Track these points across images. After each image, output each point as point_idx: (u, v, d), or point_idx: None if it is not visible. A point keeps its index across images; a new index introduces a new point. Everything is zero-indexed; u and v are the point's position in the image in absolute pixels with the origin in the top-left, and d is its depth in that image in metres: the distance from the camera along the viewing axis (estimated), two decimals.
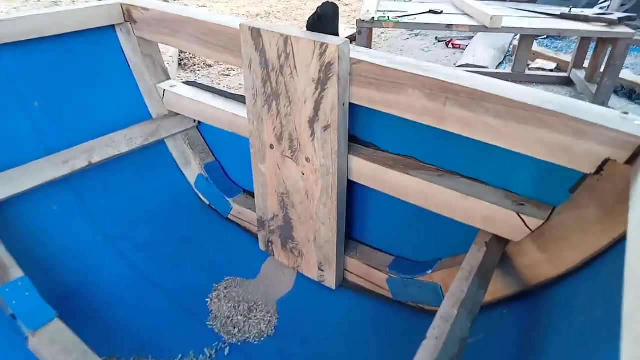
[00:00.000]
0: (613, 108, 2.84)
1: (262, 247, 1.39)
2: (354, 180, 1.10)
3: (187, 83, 1.46)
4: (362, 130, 1.09)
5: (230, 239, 1.48)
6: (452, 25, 2.53)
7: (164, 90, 1.43)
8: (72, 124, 1.31)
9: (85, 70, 1.33)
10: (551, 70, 3.50)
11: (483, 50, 3.85)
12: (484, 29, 2.50)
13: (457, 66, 3.57)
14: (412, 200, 1.01)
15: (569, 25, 2.52)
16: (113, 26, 1.35)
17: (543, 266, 0.86)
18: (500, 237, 0.92)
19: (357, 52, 0.93)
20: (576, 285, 0.80)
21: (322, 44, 0.89)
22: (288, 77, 0.99)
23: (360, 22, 2.58)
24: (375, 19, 2.56)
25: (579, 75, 3.16)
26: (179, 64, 3.44)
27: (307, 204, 1.16)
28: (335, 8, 0.94)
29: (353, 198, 1.18)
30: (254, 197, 1.52)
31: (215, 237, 1.48)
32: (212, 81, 3.27)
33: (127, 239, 1.37)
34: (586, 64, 3.26)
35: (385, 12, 2.74)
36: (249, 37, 1.00)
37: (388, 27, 2.62)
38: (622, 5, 5.20)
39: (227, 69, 3.48)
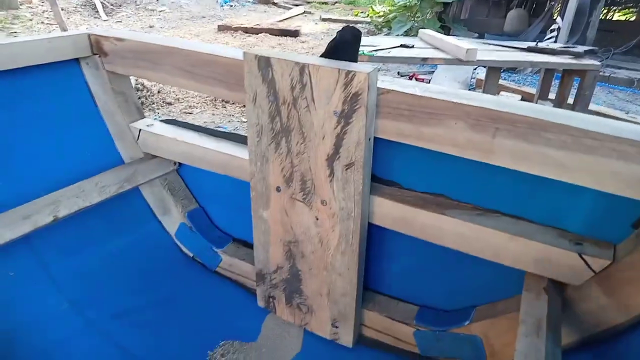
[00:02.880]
0: None
1: (261, 303, 1.24)
2: (377, 223, 1.00)
3: (166, 121, 1.33)
4: (381, 166, 1.00)
5: (222, 296, 1.31)
6: (427, 58, 2.56)
7: (140, 130, 1.29)
8: (33, 173, 1.13)
9: (44, 110, 1.17)
10: None
11: (449, 84, 3.96)
12: (458, 62, 2.55)
13: None
14: (449, 244, 0.92)
15: (541, 58, 2.63)
16: (77, 60, 1.21)
17: (610, 312, 0.79)
18: (556, 281, 0.84)
19: (385, 81, 0.85)
20: None
21: (347, 72, 0.81)
22: (303, 111, 0.89)
23: None
24: None
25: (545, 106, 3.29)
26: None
27: (321, 254, 1.04)
28: (355, 33, 0.87)
29: (370, 243, 1.07)
30: (246, 246, 1.38)
31: (203, 295, 1.31)
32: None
33: (98, 305, 1.18)
34: (550, 95, 3.42)
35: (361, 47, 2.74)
36: (255, 67, 0.90)
37: (362, 61, 2.61)
38: (568, 40, 5.62)
39: (189, 106, 3.34)
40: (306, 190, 0.98)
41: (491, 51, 2.77)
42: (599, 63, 2.60)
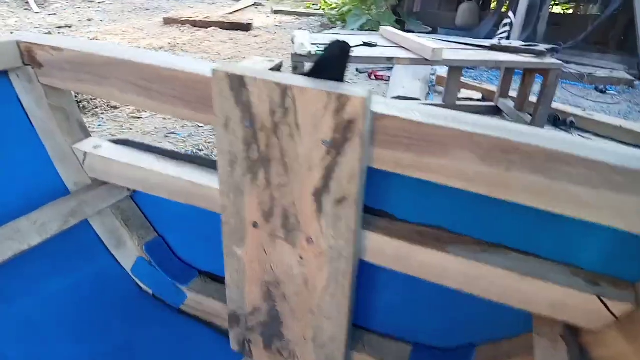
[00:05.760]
0: None
1: (234, 346, 1.12)
2: (369, 260, 0.90)
3: (117, 142, 1.16)
4: (372, 195, 0.90)
5: (189, 338, 1.18)
6: (392, 58, 2.49)
7: (85, 153, 1.12)
8: None
9: None
10: (478, 100, 3.67)
11: (410, 82, 3.94)
12: (424, 61, 2.50)
13: (390, 98, 3.59)
14: (450, 284, 0.84)
15: (506, 57, 2.63)
16: (5, 72, 1.03)
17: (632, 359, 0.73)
18: (571, 324, 0.78)
19: (380, 104, 0.75)
20: None
21: (339, 96, 0.70)
22: (286, 139, 0.77)
23: (296, 56, 2.44)
24: (312, 52, 2.43)
25: (507, 104, 3.33)
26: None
27: (306, 296, 0.93)
28: (344, 48, 0.75)
29: (360, 278, 0.98)
30: (215, 280, 1.25)
31: (167, 337, 1.17)
32: (122, 126, 2.88)
33: (43, 358, 1.01)
34: (511, 92, 3.47)
35: (319, 45, 2.64)
36: (227, 88, 0.77)
37: None
38: (521, 34, 5.77)
39: (138, 110, 3.11)
40: (289, 227, 0.87)
41: (456, 50, 2.74)
42: (561, 62, 2.64)
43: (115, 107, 3.11)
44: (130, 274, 1.24)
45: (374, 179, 0.86)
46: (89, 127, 2.86)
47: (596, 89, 4.86)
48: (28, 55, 1.02)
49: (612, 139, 3.18)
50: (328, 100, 0.71)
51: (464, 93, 3.75)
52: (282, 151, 0.79)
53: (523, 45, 2.79)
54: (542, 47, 2.71)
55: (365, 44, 2.78)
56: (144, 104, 0.94)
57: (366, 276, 1.00)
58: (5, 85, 1.04)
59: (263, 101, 0.76)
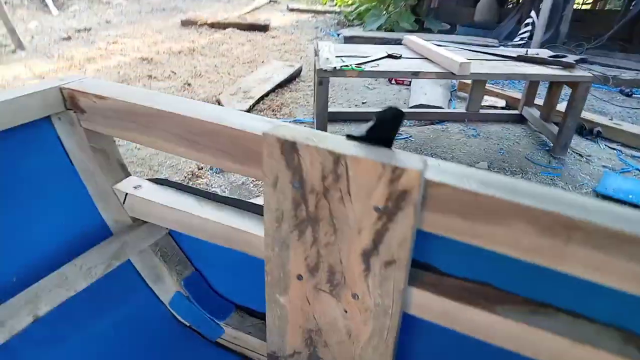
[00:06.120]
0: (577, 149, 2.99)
1: None
2: (414, 314, 0.90)
3: (157, 181, 1.18)
4: (419, 249, 0.90)
5: None
6: (418, 72, 2.47)
7: (126, 194, 1.14)
8: (4, 261, 0.97)
9: (9, 181, 1.01)
10: (502, 108, 3.62)
11: (431, 88, 3.90)
12: (451, 75, 2.47)
13: (412, 106, 3.57)
14: (500, 343, 0.83)
15: (534, 70, 2.59)
16: (49, 117, 1.05)
17: None
18: None
19: (434, 170, 0.74)
20: None
21: (394, 168, 0.70)
22: (336, 202, 0.78)
23: (321, 71, 2.43)
24: (338, 68, 2.43)
25: (532, 113, 3.29)
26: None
27: (348, 345, 0.94)
28: (398, 115, 0.75)
29: (402, 330, 0.98)
30: (252, 315, 1.26)
31: None
32: None
33: None
34: (536, 100, 3.42)
35: (343, 58, 2.63)
36: (277, 151, 0.78)
37: (351, 76, 2.50)
38: (544, 34, 5.68)
39: None
40: (334, 282, 0.87)
41: (482, 61, 2.71)
42: (591, 75, 2.59)
43: None
44: (168, 307, 1.26)
45: (421, 234, 0.86)
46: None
47: (621, 92, 4.76)
48: (71, 101, 1.04)
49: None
50: (382, 171, 0.71)
51: (487, 100, 3.70)
52: (331, 212, 0.79)
53: (550, 57, 2.74)
54: (571, 58, 2.67)
55: (390, 56, 2.76)
56: (189, 155, 0.95)
57: (410, 328, 1.00)
58: (48, 129, 1.06)
59: (315, 167, 0.76)
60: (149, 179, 1.19)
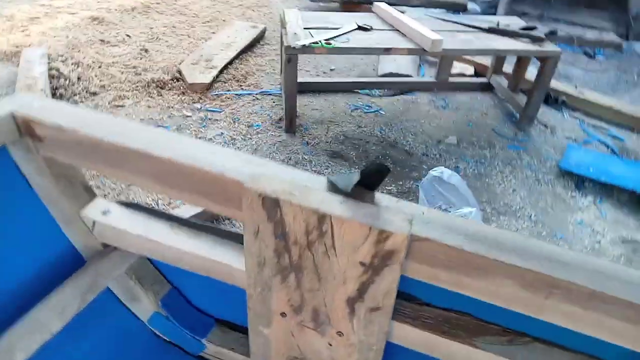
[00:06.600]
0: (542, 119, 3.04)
1: None
2: (396, 343, 0.93)
3: (126, 205, 1.12)
4: (401, 281, 0.91)
5: None
6: (390, 49, 2.41)
7: (94, 221, 1.08)
8: None
9: None
10: (471, 76, 3.62)
11: (400, 56, 3.83)
12: (422, 51, 2.43)
13: (382, 75, 3.51)
14: None
15: (505, 45, 2.58)
16: (3, 144, 0.96)
17: None
18: None
19: (420, 223, 0.74)
20: None
21: (381, 231, 0.69)
22: (320, 255, 0.77)
23: (289, 49, 2.33)
24: (307, 45, 2.33)
25: (500, 82, 3.30)
26: (53, 95, 2.84)
27: None
28: (382, 169, 0.73)
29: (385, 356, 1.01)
30: (234, 329, 1.27)
31: None
32: None
33: None
34: (504, 67, 3.43)
35: (312, 31, 2.53)
36: (258, 206, 0.75)
37: (321, 53, 2.41)
38: None
39: (119, 96, 2.97)
40: (319, 321, 0.88)
41: (453, 34, 2.66)
42: (559, 49, 2.60)
43: (94, 94, 2.96)
44: (147, 324, 1.25)
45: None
46: None
47: (585, 53, 4.83)
48: (25, 129, 0.95)
49: (602, 119, 3.22)
50: (368, 233, 0.70)
51: (456, 66, 3.68)
52: (315, 264, 0.78)
53: (522, 28, 2.72)
54: (540, 31, 2.66)
55: (360, 28, 2.67)
56: (165, 193, 0.91)
57: (393, 355, 1.04)
58: (3, 156, 0.98)
59: (298, 223, 0.74)
60: (118, 202, 1.14)
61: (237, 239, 1.03)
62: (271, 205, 0.74)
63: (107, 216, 1.09)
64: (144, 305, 1.23)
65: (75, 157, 0.95)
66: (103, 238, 1.11)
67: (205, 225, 1.07)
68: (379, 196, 0.77)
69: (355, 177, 0.74)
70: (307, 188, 0.77)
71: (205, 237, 1.05)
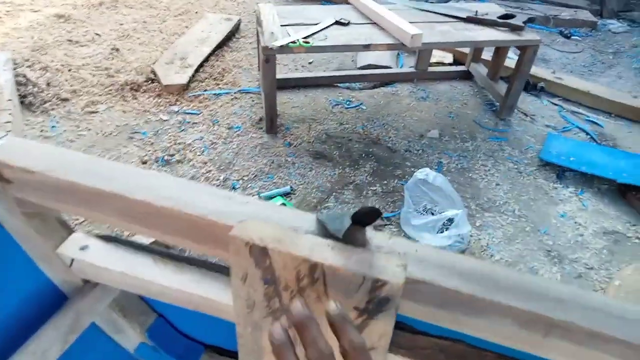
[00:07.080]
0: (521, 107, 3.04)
1: None
2: None
3: (105, 239, 1.08)
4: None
5: None
6: (369, 45, 2.37)
7: (72, 259, 1.03)
8: None
9: None
10: (450, 64, 3.60)
11: None
12: (401, 46, 2.39)
13: (360, 67, 3.47)
14: None
15: (484, 36, 2.56)
16: None
17: None
18: None
19: (414, 262, 0.72)
20: None
21: (375, 280, 0.66)
22: (313, 300, 0.74)
23: (267, 49, 2.27)
24: (284, 45, 2.27)
25: (479, 70, 3.29)
26: (22, 104, 2.72)
27: None
28: (373, 212, 0.70)
29: None
30: (224, 354, 1.25)
31: None
32: (78, 125, 2.66)
33: None
34: (483, 55, 3.41)
35: (289, 28, 2.46)
36: (246, 253, 0.72)
37: (299, 52, 2.36)
38: None
39: (92, 102, 2.86)
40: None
41: (431, 25, 2.62)
42: (539, 38, 2.59)
43: (65, 100, 2.85)
44: (133, 354, 1.22)
45: None
46: (40, 128, 2.63)
47: (561, 33, 4.85)
48: None
49: (580, 104, 3.25)
50: (362, 282, 0.67)
51: (435, 55, 3.65)
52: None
53: (500, 17, 2.70)
54: (519, 19, 2.64)
55: (338, 22, 2.61)
56: (147, 234, 0.86)
57: None
58: None
59: (288, 270, 0.71)
60: (97, 236, 1.09)
61: (224, 271, 1.00)
62: (259, 253, 0.71)
63: (86, 252, 1.04)
64: (130, 337, 1.19)
65: (47, 199, 0.90)
66: (83, 275, 1.07)
67: (190, 258, 1.03)
68: (371, 235, 0.75)
69: (347, 221, 0.71)
70: (295, 233, 0.74)
71: (191, 271, 1.02)
